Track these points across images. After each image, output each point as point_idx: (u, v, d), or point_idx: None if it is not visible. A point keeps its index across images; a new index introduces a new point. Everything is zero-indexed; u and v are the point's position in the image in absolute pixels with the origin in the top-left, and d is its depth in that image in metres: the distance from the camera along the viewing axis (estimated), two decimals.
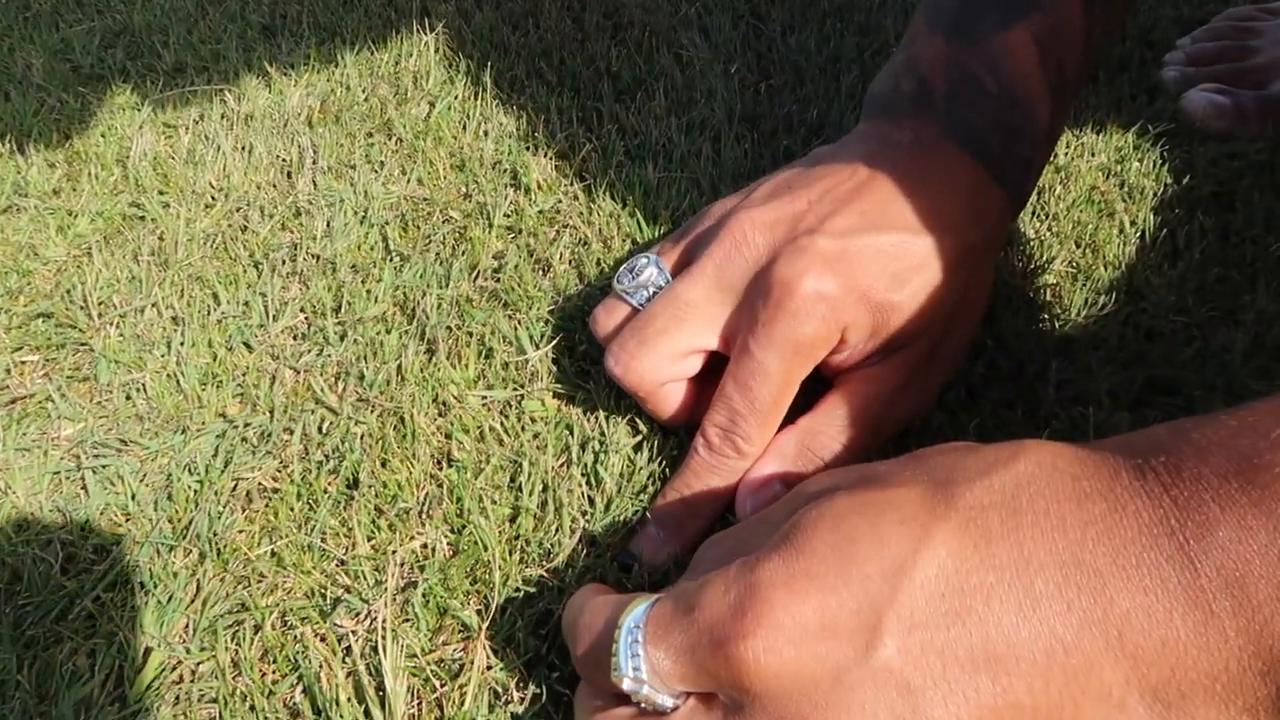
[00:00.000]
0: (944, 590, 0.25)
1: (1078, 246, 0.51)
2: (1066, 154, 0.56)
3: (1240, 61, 0.63)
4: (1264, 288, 0.48)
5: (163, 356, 0.45)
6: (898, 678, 0.24)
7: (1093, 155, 0.56)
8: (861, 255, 0.37)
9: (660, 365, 0.39)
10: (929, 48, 0.42)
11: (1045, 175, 0.54)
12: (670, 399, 0.40)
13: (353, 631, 0.35)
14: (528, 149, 0.57)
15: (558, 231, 0.52)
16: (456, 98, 0.60)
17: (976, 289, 0.41)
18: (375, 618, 0.36)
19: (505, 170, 0.55)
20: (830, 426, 0.39)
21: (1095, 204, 0.53)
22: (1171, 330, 0.47)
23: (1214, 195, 0.54)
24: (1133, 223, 0.52)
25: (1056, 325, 0.47)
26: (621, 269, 0.42)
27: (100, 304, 0.48)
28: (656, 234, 0.51)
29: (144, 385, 0.44)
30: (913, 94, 0.42)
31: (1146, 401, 0.44)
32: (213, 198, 0.54)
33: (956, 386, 0.43)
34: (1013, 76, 0.40)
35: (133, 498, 0.40)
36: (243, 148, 0.57)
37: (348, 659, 0.35)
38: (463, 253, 0.50)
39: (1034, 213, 0.52)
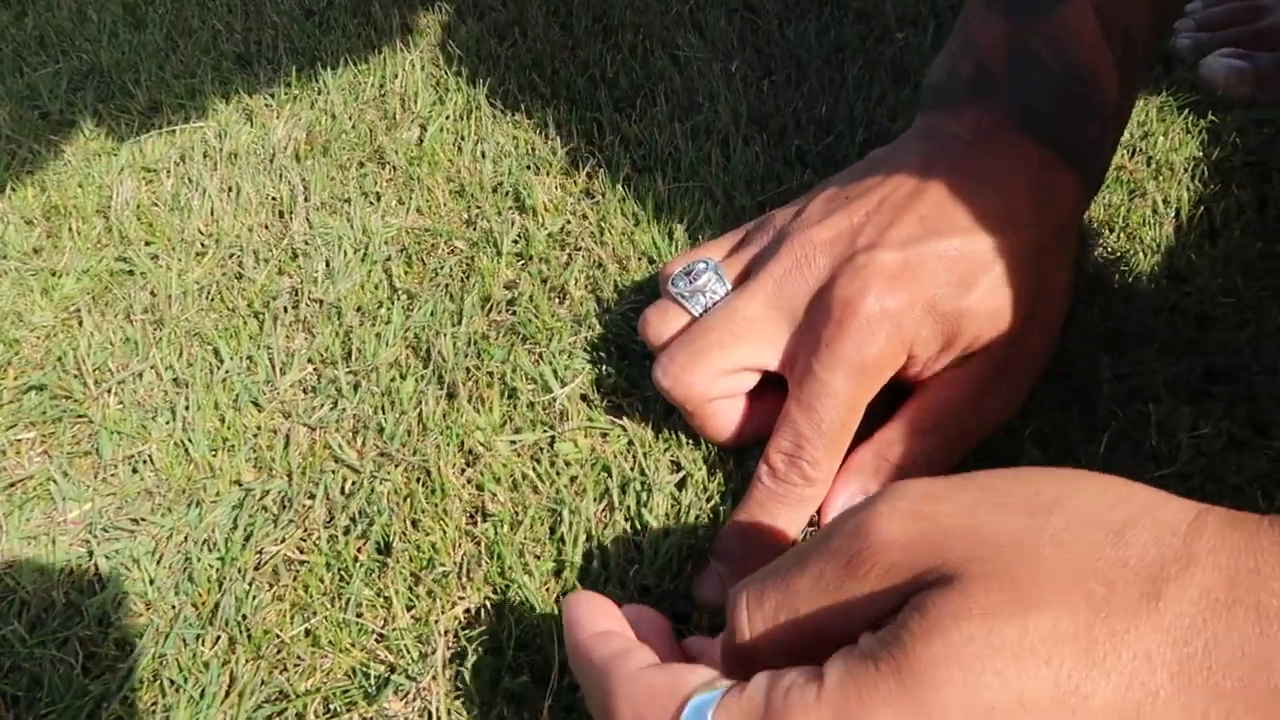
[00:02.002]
0: None
1: (1111, 231, 0.49)
2: None
3: (1252, 23, 0.61)
4: None
5: (167, 424, 0.43)
6: None
7: None
8: (924, 265, 0.35)
9: (712, 380, 0.37)
10: (986, 28, 0.40)
11: None
12: (718, 415, 0.39)
13: (403, 715, 0.33)
14: (529, 168, 0.54)
15: (570, 255, 0.49)
16: (448, 118, 0.58)
17: (1053, 284, 0.38)
18: (425, 697, 0.33)
19: (508, 193, 0.53)
20: (910, 435, 0.37)
21: (1124, 184, 0.51)
22: (1222, 314, 0.45)
23: (1246, 165, 0.52)
24: (1165, 201, 0.50)
25: (1101, 317, 0.45)
26: (676, 271, 0.40)
27: (95, 370, 0.45)
28: (673, 249, 0.49)
29: (150, 456, 0.42)
30: (971, 78, 0.40)
31: (1207, 392, 0.42)
32: (203, 245, 0.51)
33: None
34: (1075, 51, 0.38)
35: (151, 583, 0.37)
36: (230, 189, 0.54)
37: None
38: (473, 286, 0.47)
39: None
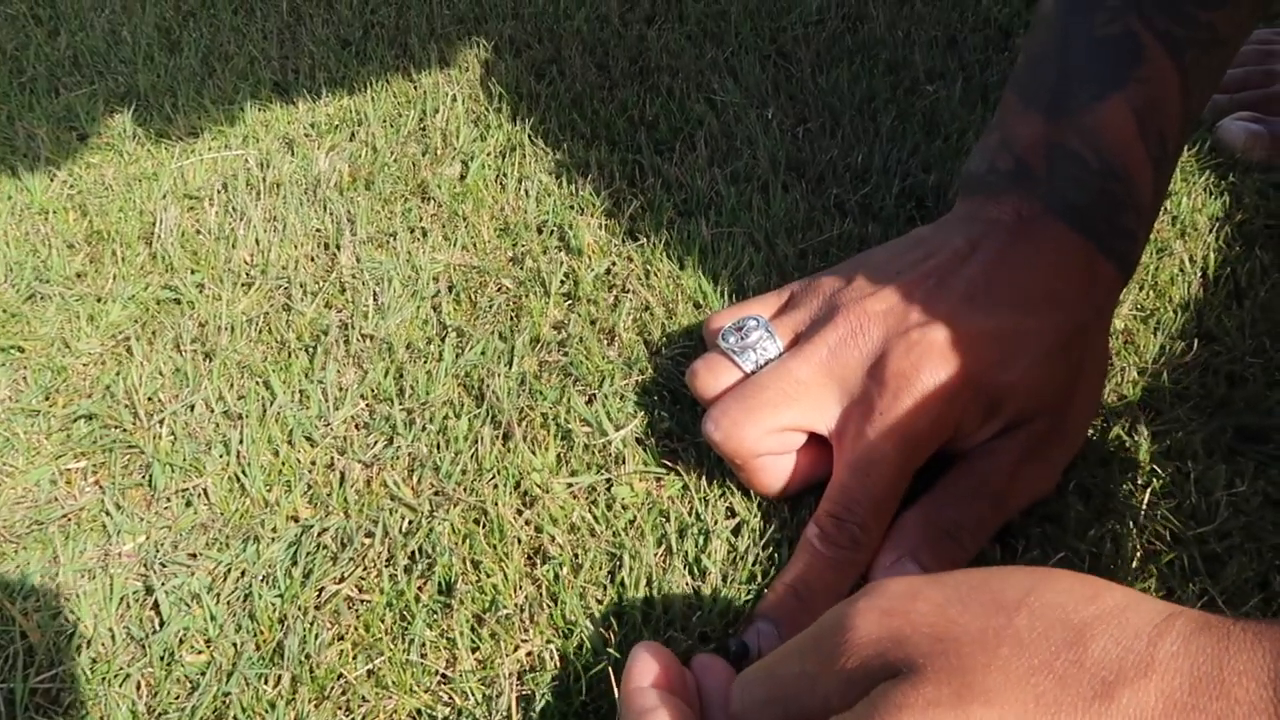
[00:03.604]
0: None
1: (1142, 289, 0.50)
2: None
3: (1267, 87, 0.63)
4: None
5: (221, 457, 0.43)
6: None
7: None
8: (973, 342, 0.37)
9: (763, 438, 0.39)
10: (1024, 126, 0.41)
11: None
12: (767, 471, 0.40)
13: None
14: (572, 208, 0.55)
15: (617, 297, 0.50)
16: (490, 155, 0.58)
17: (1092, 364, 0.40)
18: None
19: (553, 232, 0.53)
20: (953, 501, 0.38)
21: (1153, 243, 0.53)
22: (1252, 374, 0.46)
23: (1267, 228, 0.54)
24: (1191, 260, 0.52)
25: (1137, 375, 0.46)
26: (726, 326, 0.41)
27: (146, 401, 0.45)
28: (719, 295, 0.49)
29: (205, 490, 0.42)
30: (1011, 172, 0.41)
31: (1239, 451, 0.43)
32: (249, 276, 0.51)
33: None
34: (1112, 149, 0.40)
35: (211, 619, 0.37)
36: (274, 219, 0.54)
37: None
38: (523, 325, 0.48)
39: None
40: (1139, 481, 0.42)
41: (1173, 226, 0.54)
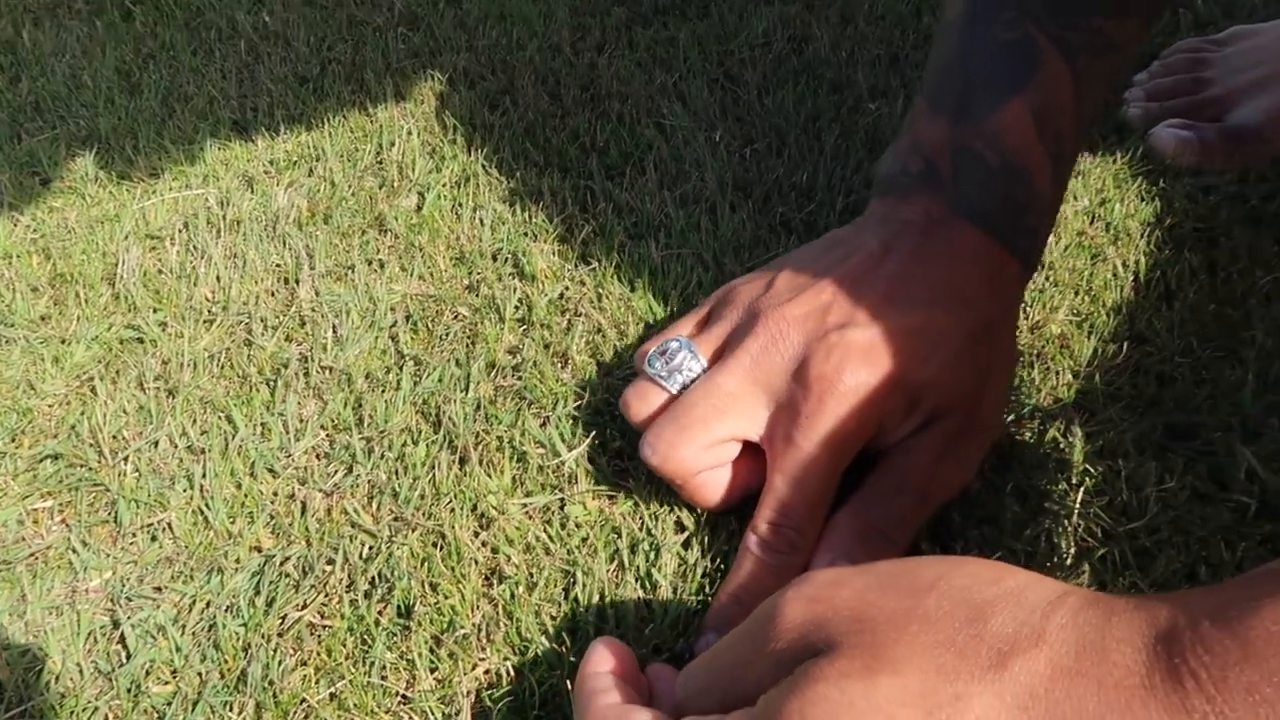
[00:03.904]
0: None
1: (1077, 294, 0.52)
2: None
3: (1195, 94, 0.66)
4: (1259, 323, 0.49)
5: (185, 491, 0.44)
6: None
7: (1076, 200, 0.58)
8: (892, 340, 0.39)
9: (699, 454, 0.40)
10: (932, 130, 0.43)
11: None
12: (707, 486, 0.41)
13: None
14: (526, 235, 0.56)
15: (570, 321, 0.51)
16: (446, 186, 0.60)
17: (1000, 360, 0.42)
18: None
19: (507, 259, 0.55)
20: (880, 500, 0.40)
21: (1086, 249, 0.55)
22: (1180, 374, 0.48)
23: (1195, 231, 0.56)
24: (1124, 265, 0.54)
25: (1071, 378, 0.48)
26: (651, 351, 0.43)
27: (111, 439, 0.46)
28: (670, 314, 0.51)
29: (169, 524, 0.43)
30: (920, 174, 0.43)
31: (1169, 448, 0.45)
32: (211, 313, 0.53)
33: (988, 452, 0.44)
34: (1013, 151, 0.42)
35: (177, 650, 0.39)
36: (235, 256, 0.56)
37: None
38: (479, 351, 0.49)
39: None
40: (1073, 481, 0.43)
41: (1106, 232, 0.56)
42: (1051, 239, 0.55)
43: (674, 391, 0.42)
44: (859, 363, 0.38)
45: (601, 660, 0.34)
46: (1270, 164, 0.60)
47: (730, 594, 0.38)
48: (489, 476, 0.44)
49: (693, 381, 0.41)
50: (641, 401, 0.42)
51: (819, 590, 0.28)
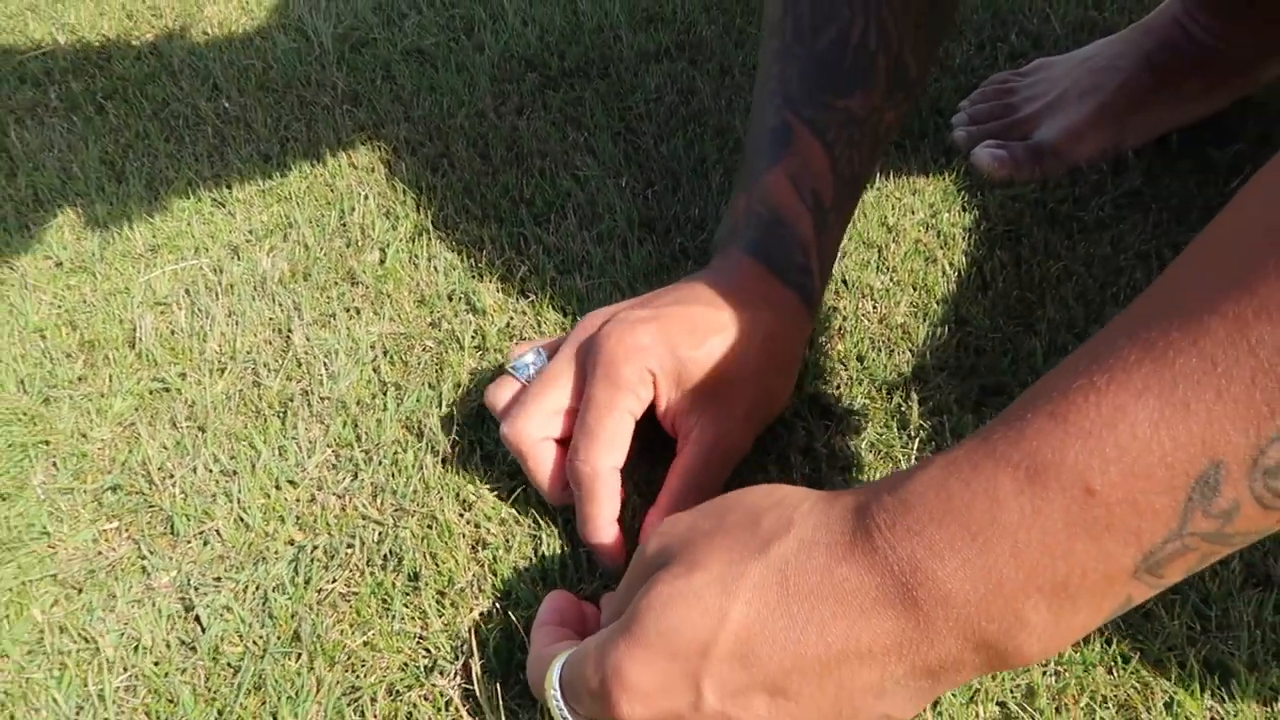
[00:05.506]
0: (740, 653, 0.34)
1: (914, 290, 0.67)
2: (894, 215, 0.72)
3: (1005, 118, 0.81)
4: (1050, 301, 0.64)
5: (225, 504, 0.56)
6: (720, 713, 0.35)
7: (913, 213, 0.72)
8: (669, 319, 0.50)
9: (536, 421, 0.51)
10: (738, 200, 0.58)
11: (880, 235, 0.70)
12: (543, 460, 0.51)
13: (447, 688, 0.47)
14: (474, 277, 0.69)
15: (517, 344, 0.64)
16: (403, 240, 0.72)
17: (779, 361, 0.54)
18: (462, 674, 0.47)
19: (461, 298, 0.68)
20: (684, 476, 0.51)
21: (922, 254, 0.69)
22: (991, 346, 0.63)
23: (1005, 232, 0.71)
24: (951, 264, 0.68)
25: (911, 356, 0.62)
26: (514, 357, 0.56)
27: (158, 470, 0.58)
28: None
29: (218, 530, 0.55)
30: (729, 233, 0.57)
31: (983, 403, 0.59)
32: (221, 362, 0.64)
33: (840, 415, 0.58)
34: (776, 205, 0.56)
35: (242, 621, 0.50)
36: (234, 314, 0.67)
37: (449, 707, 0.46)
38: (446, 376, 0.62)
39: (878, 268, 0.68)
40: (911, 433, 0.58)
41: (938, 239, 0.71)
42: (894, 248, 0.69)
43: (523, 380, 0.54)
44: (638, 328, 0.49)
45: (544, 611, 0.46)
46: (1066, 173, 0.75)
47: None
48: (466, 471, 0.56)
49: (538, 373, 0.53)
50: (498, 390, 0.54)
51: (666, 527, 0.42)
